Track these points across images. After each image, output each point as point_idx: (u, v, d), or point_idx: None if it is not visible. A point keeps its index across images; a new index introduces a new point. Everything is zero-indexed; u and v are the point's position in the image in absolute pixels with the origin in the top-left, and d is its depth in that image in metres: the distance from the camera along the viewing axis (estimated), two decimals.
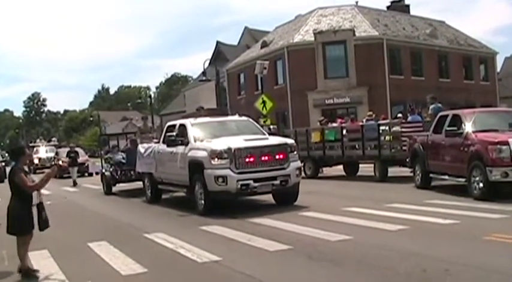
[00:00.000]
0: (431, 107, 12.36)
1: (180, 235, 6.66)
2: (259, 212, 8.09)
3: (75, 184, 17.81)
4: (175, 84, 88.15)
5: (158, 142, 10.91)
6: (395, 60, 28.17)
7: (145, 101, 75.58)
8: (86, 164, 23.74)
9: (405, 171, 11.91)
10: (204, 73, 25.15)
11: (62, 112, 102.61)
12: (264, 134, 9.36)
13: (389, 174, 12.74)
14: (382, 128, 12.90)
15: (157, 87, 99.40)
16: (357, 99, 27.01)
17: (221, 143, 8.34)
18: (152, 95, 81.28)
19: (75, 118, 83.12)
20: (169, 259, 5.52)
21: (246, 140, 8.58)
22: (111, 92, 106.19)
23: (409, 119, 13.06)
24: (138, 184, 12.51)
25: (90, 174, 23.65)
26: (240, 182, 8.02)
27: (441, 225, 6.38)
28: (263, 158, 8.33)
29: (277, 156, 8.42)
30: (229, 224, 7.38)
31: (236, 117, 10.14)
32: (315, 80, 27.37)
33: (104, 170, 14.39)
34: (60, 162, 6.54)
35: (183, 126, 9.54)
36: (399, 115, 15.69)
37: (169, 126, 10.28)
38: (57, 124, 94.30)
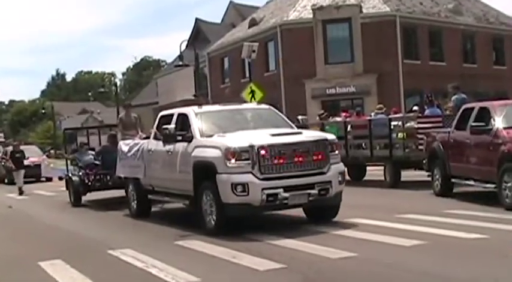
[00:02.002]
0: (453, 98, 12.38)
1: (152, 251, 6.76)
2: (245, 224, 7.92)
3: (21, 192, 17.66)
4: (145, 70, 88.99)
5: (147, 138, 10.57)
6: (410, 42, 28.54)
7: (109, 90, 75.40)
8: (37, 165, 23.64)
9: (422, 175, 11.96)
10: (180, 57, 25.23)
11: (6, 103, 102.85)
12: (292, 127, 8.99)
13: (402, 179, 12.86)
14: (393, 123, 12.88)
15: (124, 74, 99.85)
16: (363, 88, 27.09)
17: (239, 139, 7.86)
18: (118, 83, 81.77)
19: (24, 110, 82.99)
20: (138, 281, 5.62)
21: (273, 134, 8.02)
22: (68, 78, 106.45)
23: (427, 112, 12.98)
24: (120, 192, 12.29)
25: (49, 180, 23.82)
26: (266, 192, 7.51)
27: (465, 240, 6.41)
28: (296, 159, 7.76)
29: (314, 157, 7.87)
30: (210, 239, 7.45)
31: (254, 104, 9.87)
32: (313, 66, 27.37)
33: (70, 175, 14.06)
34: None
35: (183, 116, 9.10)
36: (415, 108, 15.82)
37: (163, 117, 9.82)
38: (1, 117, 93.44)
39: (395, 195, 11.18)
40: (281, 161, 7.65)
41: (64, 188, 14.81)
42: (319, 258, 5.89)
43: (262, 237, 7.36)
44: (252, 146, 7.60)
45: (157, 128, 9.80)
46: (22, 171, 18.48)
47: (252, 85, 18.00)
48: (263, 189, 7.49)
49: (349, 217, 8.37)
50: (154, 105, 42.86)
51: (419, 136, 11.78)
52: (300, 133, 8.37)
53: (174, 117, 9.34)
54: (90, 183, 13.17)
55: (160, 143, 9.41)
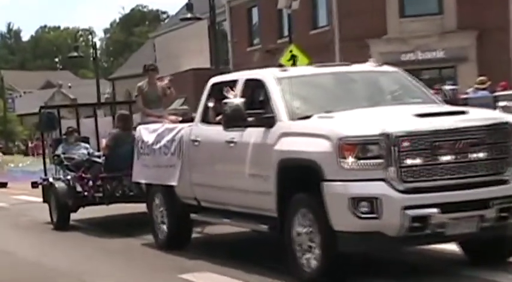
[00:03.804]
0: None
1: None
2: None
3: None
4: (137, 25, 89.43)
5: (185, 120, 10.87)
6: None
7: (85, 54, 76.18)
8: None
9: None
10: (188, 7, 25.56)
11: None
12: (439, 102, 8.81)
13: None
14: (501, 104, 13.30)
15: (106, 31, 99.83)
16: (457, 53, 27.77)
17: (361, 122, 7.64)
18: (98, 44, 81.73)
19: None
20: None
21: (419, 115, 7.60)
22: (25, 37, 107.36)
23: None
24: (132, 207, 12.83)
25: (2, 185, 25.10)
26: (410, 213, 7.14)
27: None
28: (459, 158, 7.37)
29: (486, 153, 7.45)
30: (228, 270, 8.14)
31: (371, 65, 9.48)
32: (383, 20, 28.23)
33: (50, 179, 14.21)
34: None
35: (256, 84, 9.07)
36: None
37: (216, 86, 9.85)
38: None
39: None
40: (435, 159, 7.30)
41: (25, 197, 15.62)
42: None
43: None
44: (385, 134, 7.21)
45: (207, 104, 9.81)
46: None
47: (293, 48, 18.72)
48: (405, 207, 7.12)
49: None
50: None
51: None
52: (463, 113, 7.83)
53: (239, 86, 9.18)
54: (86, 193, 13.15)
55: (215, 128, 9.35)
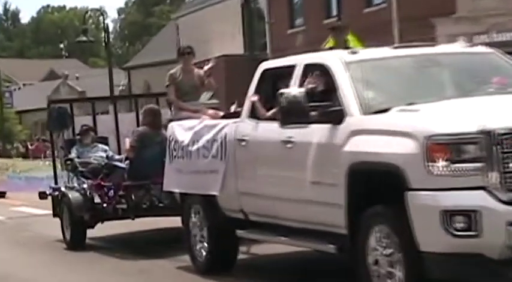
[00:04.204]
0: None
1: None
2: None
3: None
4: (157, 4, 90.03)
5: (229, 115, 11.15)
6: None
7: (96, 38, 77.40)
8: None
9: None
10: None
11: None
12: None
13: None
14: None
15: (120, 12, 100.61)
16: None
17: (454, 117, 7.64)
18: (110, 27, 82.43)
19: None
20: None
21: None
22: (24, 20, 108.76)
23: None
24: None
25: (1, 195, 25.50)
26: None
27: None
28: None
29: None
30: None
31: (461, 45, 9.64)
32: None
33: (63, 189, 14.31)
34: None
35: (318, 69, 9.02)
36: None
37: (268, 72, 9.97)
38: None
39: None
40: None
41: (26, 208, 15.95)
42: None
43: None
44: (486, 132, 7.17)
45: (257, 94, 9.87)
46: None
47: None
48: (511, 223, 7.04)
49: None
50: (173, 64, 43.81)
51: None
52: None
53: (297, 72, 9.17)
54: (105, 205, 13.15)
55: (267, 125, 9.45)
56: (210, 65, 13.09)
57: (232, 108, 12.76)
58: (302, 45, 30.72)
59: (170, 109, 13.45)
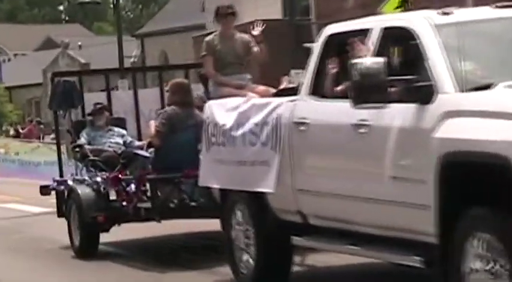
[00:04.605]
0: None
1: None
2: None
3: None
4: None
5: (284, 92, 11.15)
6: None
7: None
8: None
9: None
10: None
11: None
12: None
13: None
14: None
15: None
16: None
17: None
18: None
19: None
20: None
21: None
22: None
23: None
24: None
25: None
26: None
27: None
28: None
29: None
30: None
31: None
32: None
33: (69, 182, 14.44)
34: None
35: (401, 33, 8.97)
36: None
37: (334, 38, 9.93)
38: None
39: None
40: None
41: (19, 205, 16.50)
42: None
43: None
44: None
45: (320, 66, 9.81)
46: None
47: None
48: None
49: None
50: (197, 31, 45.43)
51: None
52: None
53: (373, 38, 9.12)
54: (124, 204, 13.26)
55: (334, 104, 9.47)
56: (260, 27, 12.89)
57: (284, 83, 12.52)
58: (353, 8, 31.11)
59: (205, 85, 13.38)
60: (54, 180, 15.19)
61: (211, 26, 43.92)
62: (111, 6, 58.77)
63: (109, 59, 45.24)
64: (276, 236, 10.28)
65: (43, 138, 45.99)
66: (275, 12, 38.62)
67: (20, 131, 49.82)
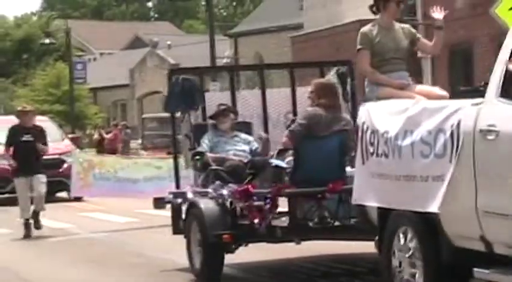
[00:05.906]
0: None
1: None
2: None
3: (36, 221, 19.76)
4: None
5: (474, 91, 11.53)
6: None
7: None
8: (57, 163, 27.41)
9: None
10: None
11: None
12: None
13: None
14: None
15: None
16: None
17: None
18: None
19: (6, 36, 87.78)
20: None
21: None
22: None
23: None
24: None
25: (77, 198, 27.31)
26: None
27: None
28: None
29: None
30: None
31: None
32: None
33: (189, 195, 14.20)
34: None
35: None
36: None
37: None
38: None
39: None
40: None
41: (99, 214, 17.00)
42: None
43: None
44: None
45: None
46: (40, 179, 20.09)
47: None
48: None
49: None
50: (294, 31, 46.75)
51: None
52: None
53: None
54: (255, 221, 12.88)
55: None
56: (442, 12, 12.20)
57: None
58: (463, 8, 31.61)
59: (343, 85, 13.35)
60: (170, 193, 15.05)
61: (309, 26, 44.67)
62: (203, 3, 58.99)
63: (200, 60, 45.84)
64: (452, 266, 9.74)
65: (129, 144, 46.00)
66: None
67: (105, 136, 49.46)
